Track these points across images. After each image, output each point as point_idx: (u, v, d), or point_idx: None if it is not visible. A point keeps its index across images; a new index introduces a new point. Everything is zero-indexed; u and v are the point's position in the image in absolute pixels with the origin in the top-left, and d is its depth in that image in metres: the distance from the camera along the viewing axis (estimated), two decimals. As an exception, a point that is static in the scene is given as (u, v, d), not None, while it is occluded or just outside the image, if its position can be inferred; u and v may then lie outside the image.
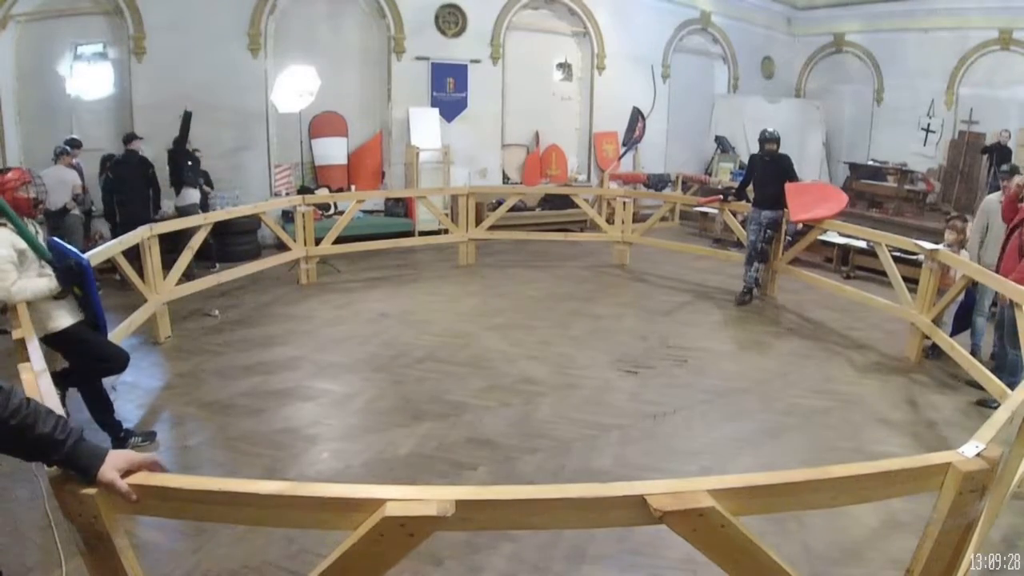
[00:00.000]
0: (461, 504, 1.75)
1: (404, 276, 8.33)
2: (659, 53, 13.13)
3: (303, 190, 9.68)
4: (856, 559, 3.09)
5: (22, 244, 3.45)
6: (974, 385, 4.97)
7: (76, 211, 7.23)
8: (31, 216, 3.72)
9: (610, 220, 9.48)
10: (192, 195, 7.94)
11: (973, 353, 5.29)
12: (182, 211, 7.60)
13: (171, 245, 6.46)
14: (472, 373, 5.28)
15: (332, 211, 9.72)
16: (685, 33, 13.43)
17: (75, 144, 7.77)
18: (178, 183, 7.91)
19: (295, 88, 8.91)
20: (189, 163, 7.94)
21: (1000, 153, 10.72)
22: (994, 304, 5.46)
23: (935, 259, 5.56)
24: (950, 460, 1.99)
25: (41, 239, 3.66)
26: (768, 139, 7.22)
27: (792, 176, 7.23)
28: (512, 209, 9.97)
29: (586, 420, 4.51)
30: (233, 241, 8.53)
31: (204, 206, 8.10)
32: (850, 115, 14.44)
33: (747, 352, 6.00)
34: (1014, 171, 5.53)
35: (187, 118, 7.86)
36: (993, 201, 5.64)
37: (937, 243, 5.86)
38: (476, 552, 3.08)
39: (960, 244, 5.81)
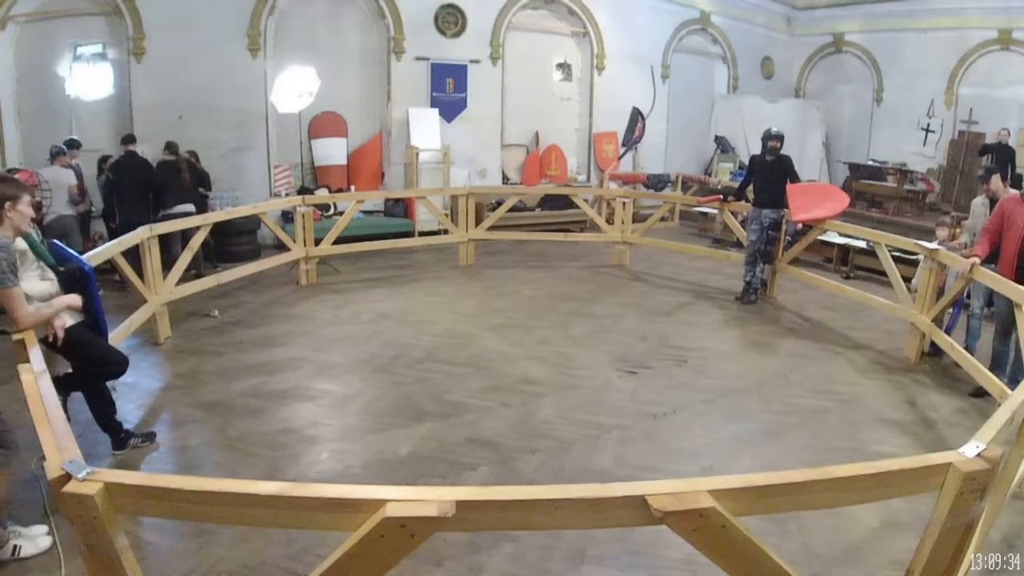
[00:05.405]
0: (461, 505, 1.76)
1: (404, 276, 8.32)
2: (659, 53, 13.13)
3: (303, 190, 9.69)
4: (856, 559, 3.09)
5: (23, 245, 3.44)
6: (976, 395, 4.95)
7: (71, 211, 7.21)
8: (32, 220, 3.71)
9: (610, 220, 9.48)
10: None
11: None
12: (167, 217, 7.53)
13: (161, 247, 6.40)
14: (472, 373, 5.27)
15: (332, 211, 9.71)
16: (685, 33, 13.44)
17: (74, 145, 7.76)
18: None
19: (295, 88, 8.92)
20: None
21: (1001, 153, 10.65)
22: (989, 304, 5.46)
23: (935, 259, 5.57)
24: (950, 460, 1.99)
25: (39, 240, 3.65)
26: (772, 137, 7.22)
27: (793, 176, 7.23)
28: (512, 209, 9.96)
29: (586, 420, 4.51)
30: (233, 241, 8.53)
31: (203, 209, 8.07)
32: (850, 115, 14.44)
33: (747, 352, 6.00)
34: (991, 172, 5.51)
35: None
36: (978, 204, 5.64)
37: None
38: (476, 552, 3.08)
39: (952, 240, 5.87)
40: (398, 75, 10.41)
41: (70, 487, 1.78)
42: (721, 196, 8.36)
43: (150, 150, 7.97)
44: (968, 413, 4.74)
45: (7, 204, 3.17)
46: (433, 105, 10.65)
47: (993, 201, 5.44)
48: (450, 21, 10.70)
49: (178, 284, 6.25)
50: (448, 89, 10.80)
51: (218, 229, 7.49)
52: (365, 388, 5.01)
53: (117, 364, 3.85)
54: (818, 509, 2.34)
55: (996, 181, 5.40)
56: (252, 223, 8.33)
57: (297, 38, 9.62)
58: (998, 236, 4.90)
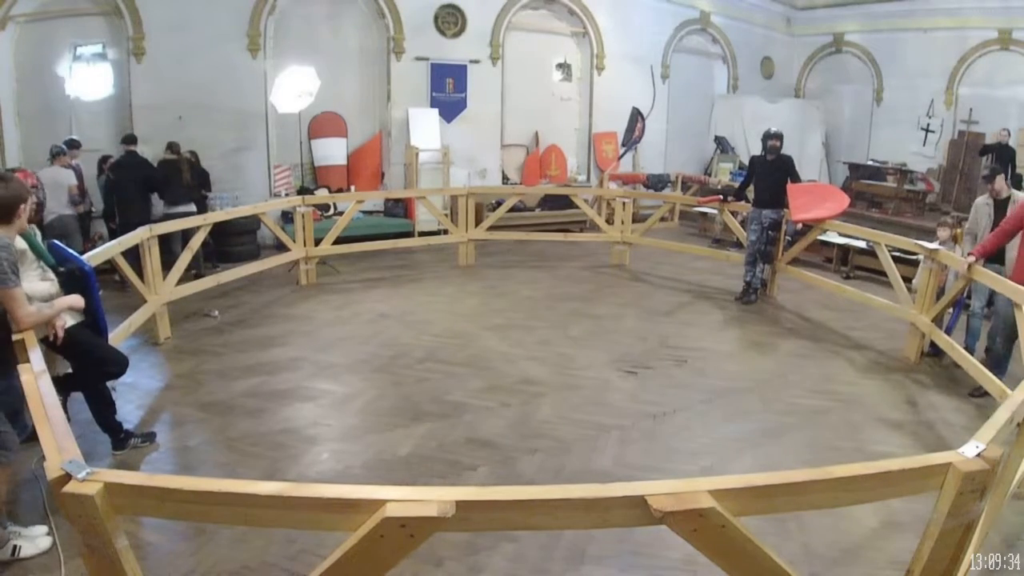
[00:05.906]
0: (461, 505, 1.76)
1: (404, 277, 8.32)
2: (658, 53, 13.13)
3: (303, 191, 9.69)
4: (856, 559, 3.09)
5: (23, 245, 3.44)
6: (976, 395, 4.94)
7: (71, 212, 7.20)
8: (31, 221, 3.71)
9: (610, 220, 9.49)
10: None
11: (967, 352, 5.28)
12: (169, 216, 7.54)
13: (161, 247, 6.40)
14: (472, 373, 5.27)
15: (332, 212, 9.71)
16: (684, 33, 13.43)
17: (74, 145, 7.76)
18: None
19: (294, 88, 8.91)
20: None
21: (1001, 153, 10.66)
22: (989, 304, 5.46)
23: (935, 259, 5.57)
24: (950, 460, 1.99)
25: (39, 240, 3.65)
26: (772, 137, 7.22)
27: (794, 176, 7.23)
28: (512, 209, 9.96)
29: (586, 420, 4.51)
30: (233, 241, 8.52)
31: (203, 209, 8.07)
32: (850, 115, 14.43)
33: (747, 352, 6.00)
34: (995, 172, 5.52)
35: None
36: (981, 204, 5.64)
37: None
38: (476, 552, 3.08)
39: (954, 241, 5.86)
40: (398, 75, 10.41)
41: (70, 487, 1.78)
42: (721, 196, 8.36)
43: (150, 150, 7.97)
44: (968, 413, 4.73)
45: (21, 206, 3.18)
46: (433, 105, 10.65)
47: (997, 201, 5.44)
48: (450, 21, 10.70)
49: (178, 284, 6.25)
50: (448, 89, 10.80)
51: (218, 229, 7.47)
52: (365, 388, 5.01)
53: (117, 364, 3.85)
54: (818, 509, 2.33)
55: (1000, 181, 5.42)
56: (252, 223, 8.33)
57: (297, 38, 9.62)
58: (1009, 238, 4.89)
